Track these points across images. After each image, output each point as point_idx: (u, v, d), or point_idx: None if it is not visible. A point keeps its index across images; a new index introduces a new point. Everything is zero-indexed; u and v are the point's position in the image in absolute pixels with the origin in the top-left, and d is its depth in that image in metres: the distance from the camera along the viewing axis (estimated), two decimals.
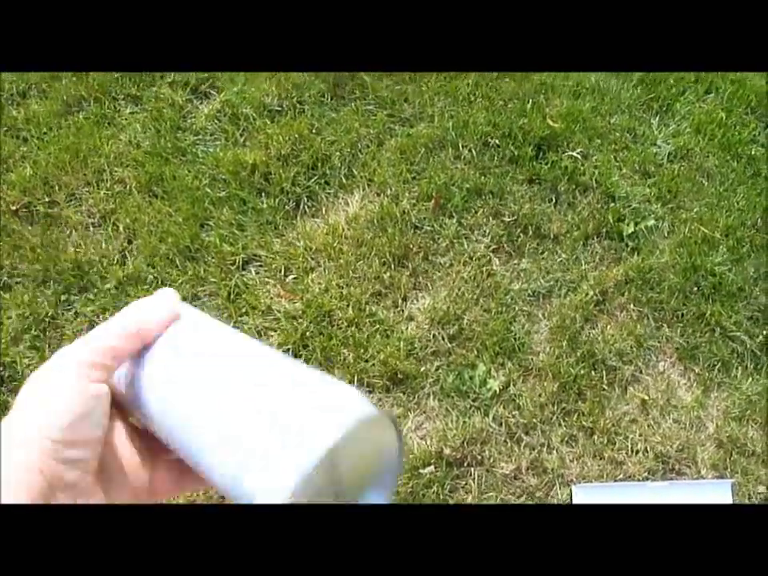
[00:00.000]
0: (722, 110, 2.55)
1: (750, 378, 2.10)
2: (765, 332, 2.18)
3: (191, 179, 2.04)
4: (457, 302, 1.97)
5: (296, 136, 2.14)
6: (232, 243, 1.96)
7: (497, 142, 2.24)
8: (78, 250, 1.88)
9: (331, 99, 2.27)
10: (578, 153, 2.28)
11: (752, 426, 2.05)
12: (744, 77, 2.67)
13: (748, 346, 2.15)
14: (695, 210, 2.31)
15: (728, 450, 2.00)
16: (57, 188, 1.97)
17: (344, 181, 2.11)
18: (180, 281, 1.89)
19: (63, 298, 1.83)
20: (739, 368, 2.11)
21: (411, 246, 2.03)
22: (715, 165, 2.42)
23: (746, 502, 1.94)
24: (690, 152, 2.42)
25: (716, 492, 1.93)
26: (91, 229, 1.94)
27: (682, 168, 2.37)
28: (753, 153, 2.48)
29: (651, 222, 2.22)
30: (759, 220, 2.37)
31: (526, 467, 1.85)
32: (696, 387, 2.06)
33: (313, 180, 2.10)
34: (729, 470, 1.99)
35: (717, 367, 2.09)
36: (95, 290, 1.84)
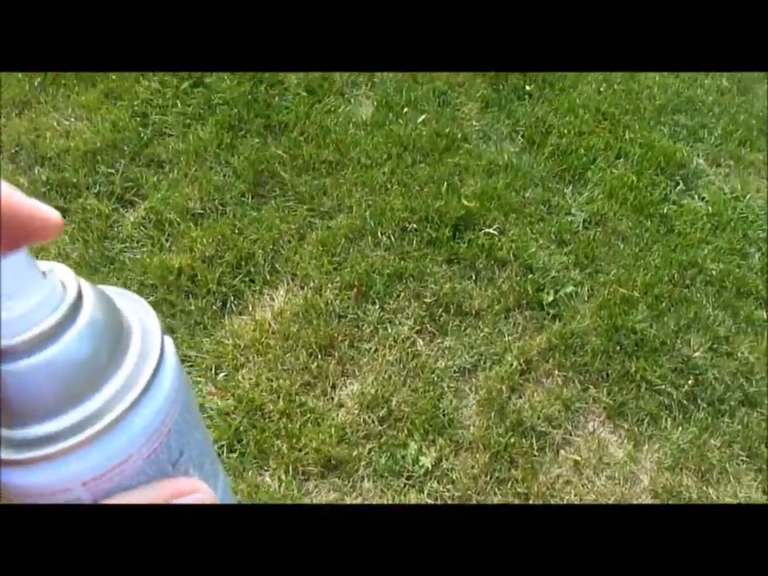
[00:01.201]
0: (633, 174, 2.82)
1: (680, 428, 2.30)
2: (690, 381, 2.39)
3: (120, 287, 2.23)
4: (384, 385, 2.16)
5: (219, 237, 2.36)
6: None
7: (414, 226, 2.47)
8: None
9: (252, 198, 2.51)
10: (494, 229, 2.51)
11: (686, 474, 2.23)
12: (651, 140, 2.95)
13: (674, 397, 2.35)
14: (612, 272, 2.54)
15: (664, 499, 2.17)
16: None
17: (268, 277, 2.33)
18: None
19: None
20: (668, 419, 2.31)
21: (336, 335, 2.23)
22: (629, 227, 2.66)
23: None
24: (604, 217, 2.67)
25: None
26: None
27: (597, 233, 2.62)
28: (665, 211, 2.73)
29: (570, 289, 2.45)
30: (676, 275, 2.60)
31: None
32: (627, 443, 2.25)
33: (238, 279, 2.31)
34: None
35: (646, 421, 2.28)
36: None
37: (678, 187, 2.89)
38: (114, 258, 2.34)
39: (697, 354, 2.46)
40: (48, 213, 0.31)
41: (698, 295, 2.59)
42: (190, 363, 2.17)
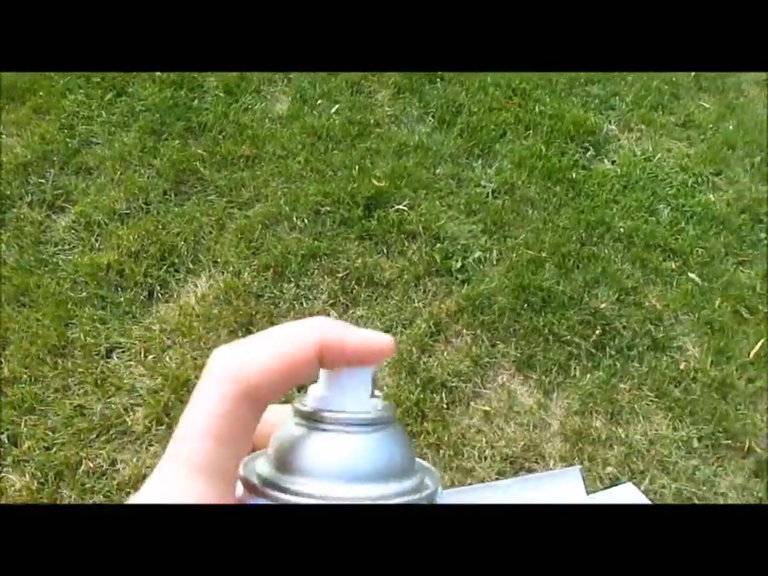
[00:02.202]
0: (542, 144, 3.09)
1: (589, 375, 2.55)
2: (597, 331, 2.64)
3: (54, 286, 2.51)
4: None
5: (144, 233, 2.64)
6: (95, 336, 2.42)
7: (328, 208, 2.74)
8: None
9: (174, 196, 2.78)
10: (404, 205, 2.78)
11: (595, 417, 2.47)
12: (562, 111, 3.21)
13: (582, 347, 2.60)
14: (521, 236, 2.80)
15: (573, 441, 2.42)
16: None
17: (191, 266, 2.60)
18: (51, 375, 2.33)
19: None
20: (577, 368, 2.56)
21: (255, 313, 2.49)
22: (537, 193, 2.93)
23: (597, 484, 2.33)
24: (513, 186, 2.93)
25: (566, 479, 2.32)
26: None
27: (506, 201, 2.88)
28: (574, 176, 2.99)
29: (478, 254, 2.71)
30: (584, 234, 2.85)
31: None
32: (536, 392, 2.49)
33: (163, 269, 2.58)
34: (576, 458, 2.39)
35: (554, 370, 2.53)
36: None
37: (588, 153, 3.15)
38: (47, 260, 2.61)
39: (604, 305, 2.70)
40: (380, 340, 0.37)
41: (606, 251, 2.84)
42: (122, 350, 2.44)
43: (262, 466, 0.37)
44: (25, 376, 2.33)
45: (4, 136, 2.95)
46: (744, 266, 2.99)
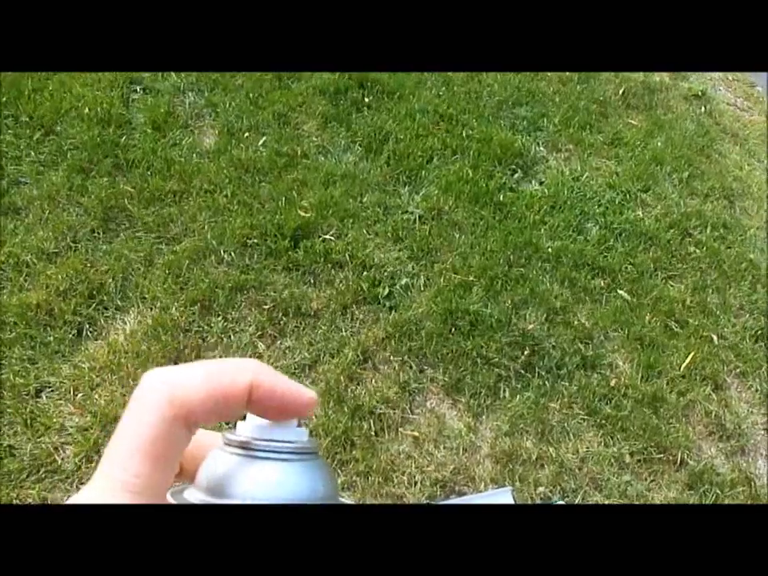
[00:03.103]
0: (469, 168, 3.21)
1: (518, 396, 2.65)
2: (526, 352, 2.74)
3: None
4: None
5: (72, 272, 2.72)
6: (24, 376, 2.49)
7: (255, 241, 2.84)
8: None
9: (102, 233, 2.87)
10: (331, 235, 2.88)
11: (525, 437, 2.57)
12: (489, 135, 3.34)
13: (512, 368, 2.71)
14: (449, 261, 2.91)
15: (504, 463, 2.51)
16: None
17: (119, 303, 2.68)
18: None
19: None
20: (506, 390, 2.66)
21: (183, 348, 2.58)
22: (465, 217, 3.04)
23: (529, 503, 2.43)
24: (440, 211, 3.05)
25: (497, 500, 2.40)
26: None
27: (433, 227, 2.99)
28: (501, 199, 3.12)
29: (405, 281, 2.81)
30: (511, 256, 2.97)
31: None
32: (466, 415, 2.59)
33: (91, 308, 2.66)
34: (507, 480, 2.48)
35: (483, 393, 2.63)
36: None
37: (516, 175, 3.28)
38: None
39: (532, 326, 2.82)
40: (305, 393, 0.39)
41: (534, 272, 2.96)
42: (51, 389, 2.51)
43: (193, 493, 0.39)
44: None
45: None
46: (674, 281, 3.12)
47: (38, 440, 2.38)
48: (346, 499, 0.43)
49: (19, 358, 2.55)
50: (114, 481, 0.35)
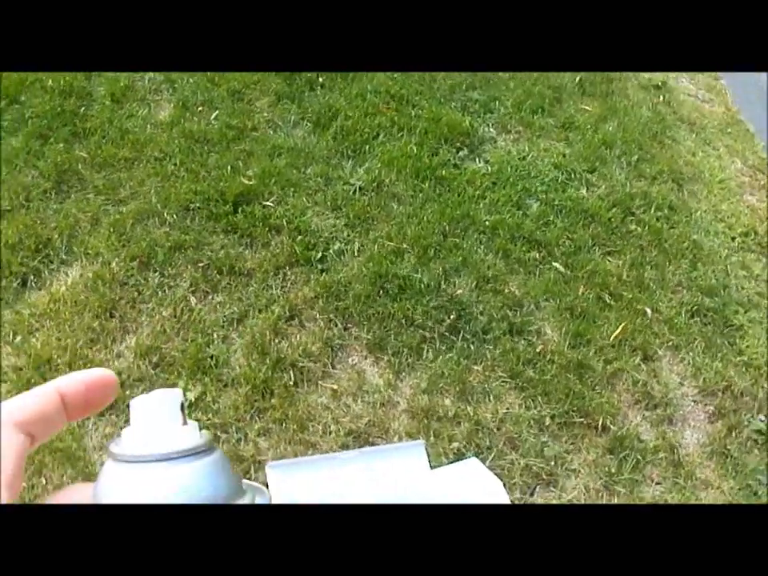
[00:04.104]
0: (415, 145, 3.41)
1: (441, 357, 2.81)
2: (452, 316, 2.91)
3: None
4: (159, 337, 2.72)
5: (22, 227, 2.96)
6: None
7: (198, 205, 3.07)
8: None
9: (55, 194, 3.12)
10: (271, 202, 3.10)
11: (444, 396, 2.73)
12: (439, 115, 3.55)
13: (437, 330, 2.88)
14: (384, 229, 3.11)
15: (420, 418, 2.66)
16: None
17: (64, 257, 2.91)
18: None
19: None
20: (429, 351, 2.83)
21: (119, 299, 2.80)
22: (404, 189, 3.24)
23: (443, 460, 2.58)
24: (381, 183, 3.25)
25: (409, 452, 2.57)
26: None
27: (373, 198, 3.20)
28: (443, 174, 3.31)
29: (339, 246, 3.01)
30: (447, 227, 3.16)
31: None
32: (387, 373, 2.76)
33: (37, 260, 2.89)
34: (422, 435, 2.64)
35: (406, 353, 2.80)
36: None
37: (461, 153, 3.47)
38: None
39: (461, 291, 3.00)
40: (103, 372, 0.44)
41: (469, 243, 3.14)
42: None
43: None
44: None
45: None
46: (612, 256, 3.29)
47: None
48: (255, 484, 0.44)
49: None
50: None
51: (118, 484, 0.39)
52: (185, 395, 0.42)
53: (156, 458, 0.38)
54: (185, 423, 0.41)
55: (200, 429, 0.42)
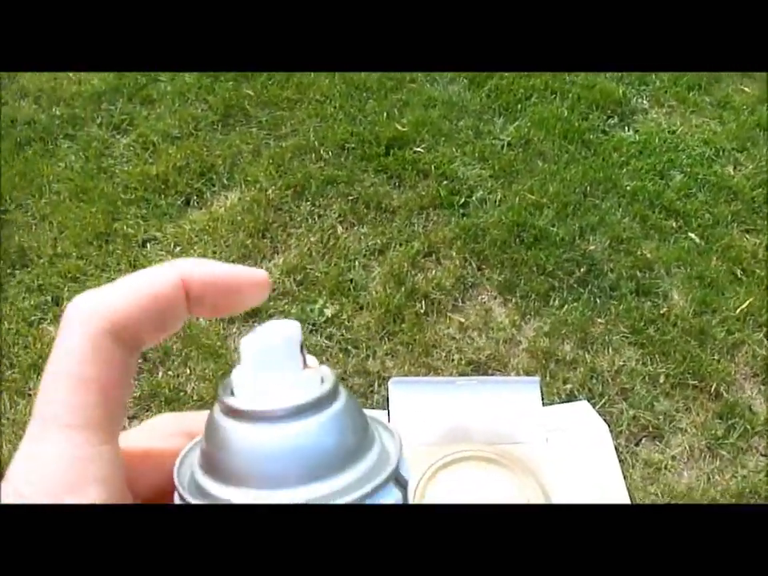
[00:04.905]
0: (566, 108, 3.60)
1: (567, 306, 3.00)
2: (582, 269, 3.10)
3: (109, 188, 3.25)
4: (305, 258, 3.04)
5: (189, 153, 3.35)
6: (135, 228, 3.13)
7: (352, 145, 3.37)
8: (22, 239, 3.10)
9: (222, 126, 3.50)
10: (422, 148, 3.37)
11: (565, 342, 2.93)
12: (594, 82, 3.73)
13: (566, 282, 3.07)
14: (527, 184, 3.32)
15: (539, 359, 2.87)
16: (9, 200, 3.23)
17: (225, 182, 3.28)
18: (95, 254, 3.05)
19: (9, 271, 3.01)
20: (556, 299, 3.03)
21: (272, 223, 3.14)
22: (550, 148, 3.44)
23: (555, 399, 2.78)
24: (529, 141, 3.47)
25: (523, 387, 2.75)
26: (33, 227, 3.16)
27: (519, 153, 3.42)
28: (590, 138, 3.49)
29: (481, 194, 3.25)
30: (588, 188, 3.34)
31: (351, 371, 2.81)
32: (513, 314, 2.98)
33: (201, 183, 3.27)
34: (539, 373, 2.84)
35: (533, 298, 3.01)
36: (33, 265, 3.03)
37: (611, 120, 3.64)
38: (106, 168, 3.37)
39: (594, 247, 3.18)
40: (252, 271, 0.37)
41: (608, 205, 3.32)
42: (156, 242, 3.13)
43: (196, 466, 0.35)
44: (74, 253, 3.06)
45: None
46: (750, 234, 3.37)
47: None
48: (382, 421, 0.39)
49: (134, 215, 3.19)
50: (45, 420, 0.32)
51: (237, 441, 0.33)
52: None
53: (279, 415, 0.33)
54: (305, 365, 0.35)
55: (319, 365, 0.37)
